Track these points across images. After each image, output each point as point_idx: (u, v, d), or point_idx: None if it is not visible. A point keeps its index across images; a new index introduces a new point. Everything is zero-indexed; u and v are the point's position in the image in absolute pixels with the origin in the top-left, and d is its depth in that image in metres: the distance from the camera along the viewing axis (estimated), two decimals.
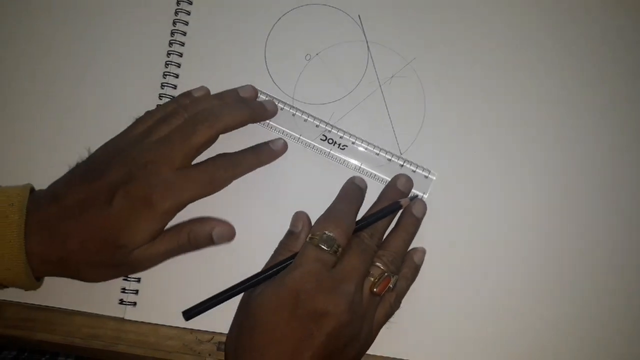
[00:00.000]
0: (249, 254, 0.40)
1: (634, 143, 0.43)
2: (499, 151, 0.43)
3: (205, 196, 0.38)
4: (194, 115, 0.38)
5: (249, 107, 0.41)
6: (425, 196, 0.42)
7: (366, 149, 0.42)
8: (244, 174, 0.40)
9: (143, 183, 0.36)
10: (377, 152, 0.42)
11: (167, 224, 0.38)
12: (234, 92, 0.42)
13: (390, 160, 0.42)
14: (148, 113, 0.40)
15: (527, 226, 0.42)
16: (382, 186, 0.42)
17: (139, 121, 0.40)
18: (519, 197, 0.42)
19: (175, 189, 0.37)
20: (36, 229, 0.36)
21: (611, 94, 0.44)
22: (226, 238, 0.39)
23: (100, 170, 0.37)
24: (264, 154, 0.41)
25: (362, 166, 0.42)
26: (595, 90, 0.44)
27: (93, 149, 0.40)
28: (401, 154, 0.42)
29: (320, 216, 0.38)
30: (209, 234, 0.38)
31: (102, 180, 0.36)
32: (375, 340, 0.39)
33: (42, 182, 0.39)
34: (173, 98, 0.42)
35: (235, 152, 0.40)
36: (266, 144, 0.42)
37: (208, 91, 0.42)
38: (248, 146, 0.41)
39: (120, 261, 0.37)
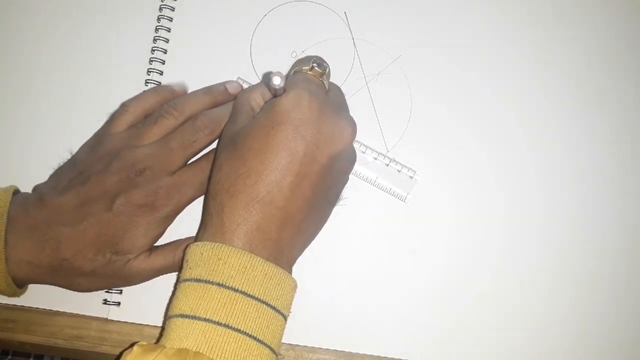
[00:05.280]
0: None
1: (628, 139, 0.44)
2: (486, 150, 0.43)
3: (203, 194, 0.38)
4: (193, 122, 0.38)
5: None
6: (410, 196, 0.42)
7: None
8: None
9: (144, 189, 0.36)
10: (363, 150, 0.42)
11: (167, 228, 0.38)
12: (222, 88, 0.41)
13: (375, 159, 0.42)
14: (124, 106, 0.39)
15: (518, 225, 0.42)
16: (367, 185, 0.41)
17: (116, 117, 0.39)
18: (508, 197, 0.42)
19: (176, 193, 0.37)
20: (24, 235, 0.35)
21: (606, 92, 0.44)
22: None
23: (95, 175, 0.36)
24: None
25: None
26: (587, 87, 0.44)
27: (75, 149, 0.39)
28: (387, 151, 0.42)
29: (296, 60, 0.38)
30: None
31: (100, 186, 0.36)
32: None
33: (21, 184, 0.39)
34: (150, 89, 0.41)
35: None
36: None
37: (186, 89, 0.41)
38: None
39: (114, 271, 0.36)
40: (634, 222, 0.43)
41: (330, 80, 0.39)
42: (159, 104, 0.40)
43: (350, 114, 0.42)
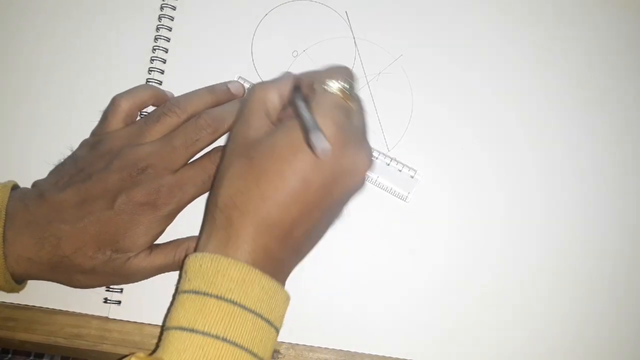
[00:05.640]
0: None
1: (628, 139, 0.44)
2: (486, 150, 0.43)
3: (205, 193, 0.38)
4: (196, 120, 0.38)
5: None
6: (410, 196, 0.42)
7: None
8: None
9: (146, 188, 0.36)
10: None
11: (167, 226, 0.38)
12: (224, 87, 0.41)
13: (376, 158, 0.42)
14: (116, 102, 0.38)
15: (518, 225, 0.42)
16: (367, 184, 0.41)
17: (110, 114, 0.38)
18: (508, 197, 0.42)
19: (178, 191, 0.37)
20: (24, 231, 0.35)
21: (607, 92, 0.44)
22: None
23: (96, 174, 0.36)
24: None
25: None
26: (587, 87, 0.44)
27: (75, 147, 0.39)
28: (388, 150, 0.42)
29: (322, 70, 0.35)
30: None
31: (101, 183, 0.36)
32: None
33: (21, 182, 0.39)
34: (139, 85, 0.41)
35: None
36: None
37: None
38: None
39: (114, 269, 0.36)
40: (634, 222, 0.43)
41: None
42: (151, 99, 0.40)
43: None
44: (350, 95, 0.34)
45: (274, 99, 0.35)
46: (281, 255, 0.33)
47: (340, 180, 0.32)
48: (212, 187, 0.36)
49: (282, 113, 0.35)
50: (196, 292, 0.30)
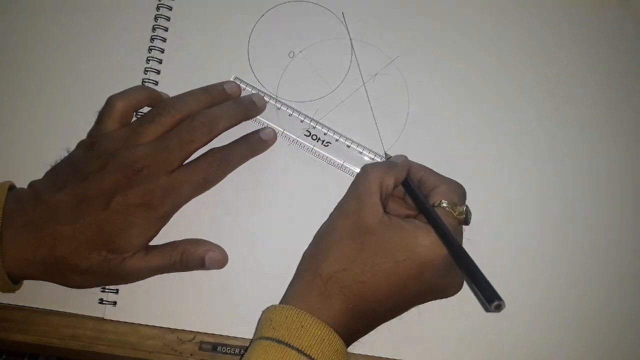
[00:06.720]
0: (230, 250, 0.39)
1: (628, 139, 0.44)
2: (483, 150, 0.43)
3: (200, 194, 0.39)
4: (191, 121, 0.38)
5: (243, 107, 0.41)
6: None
7: (349, 146, 0.42)
8: (237, 167, 0.40)
9: (141, 189, 0.36)
10: (361, 150, 0.42)
11: (162, 227, 0.38)
12: (220, 88, 0.41)
13: (373, 159, 0.42)
14: (111, 103, 0.38)
15: (518, 225, 0.42)
16: None
17: (105, 115, 0.38)
18: (506, 197, 0.43)
19: (173, 193, 0.37)
20: (20, 231, 0.35)
21: (603, 90, 0.45)
22: (218, 264, 0.39)
23: (92, 174, 0.36)
24: (255, 145, 0.41)
25: (344, 164, 0.42)
26: (587, 86, 0.44)
27: (72, 148, 0.39)
28: (385, 152, 0.42)
29: (447, 184, 0.37)
30: (202, 258, 0.38)
31: (97, 184, 0.36)
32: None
33: (18, 181, 0.38)
34: (134, 86, 0.41)
35: (227, 146, 0.40)
36: (256, 134, 0.41)
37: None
38: (233, 136, 0.40)
39: (110, 269, 0.36)
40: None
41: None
42: (146, 100, 0.40)
43: (348, 114, 0.43)
44: (466, 220, 0.36)
45: (389, 185, 0.37)
46: (357, 328, 0.36)
47: (434, 293, 0.37)
48: (314, 249, 0.37)
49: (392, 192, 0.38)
50: (279, 341, 0.33)
